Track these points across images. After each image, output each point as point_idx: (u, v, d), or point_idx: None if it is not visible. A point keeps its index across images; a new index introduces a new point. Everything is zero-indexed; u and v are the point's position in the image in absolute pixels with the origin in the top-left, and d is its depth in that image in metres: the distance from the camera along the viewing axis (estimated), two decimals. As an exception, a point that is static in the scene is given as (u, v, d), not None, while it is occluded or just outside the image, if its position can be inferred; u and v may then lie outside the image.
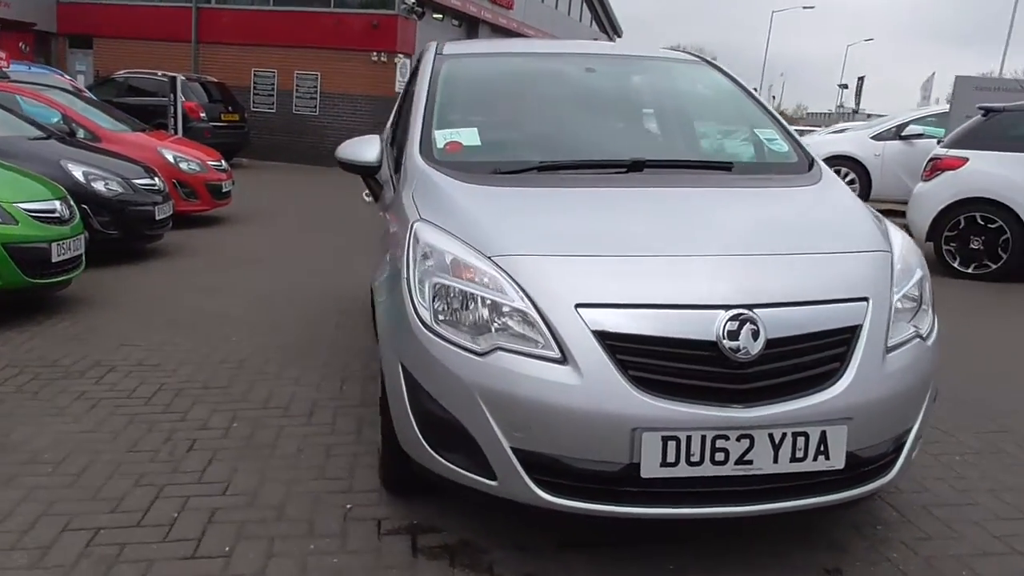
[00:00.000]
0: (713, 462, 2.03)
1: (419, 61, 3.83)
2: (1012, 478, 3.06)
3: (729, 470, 2.04)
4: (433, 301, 2.25)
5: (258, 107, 19.56)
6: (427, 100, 3.12)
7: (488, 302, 2.17)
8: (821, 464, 2.08)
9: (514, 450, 2.09)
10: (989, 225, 7.08)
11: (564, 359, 2.06)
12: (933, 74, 21.47)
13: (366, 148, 3.21)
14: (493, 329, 2.15)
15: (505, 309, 2.15)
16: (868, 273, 2.31)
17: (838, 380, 2.11)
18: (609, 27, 36.78)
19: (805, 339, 2.11)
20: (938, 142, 8.42)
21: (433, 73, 3.29)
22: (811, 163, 3.01)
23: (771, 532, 2.49)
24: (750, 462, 2.04)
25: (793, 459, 2.06)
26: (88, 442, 3.11)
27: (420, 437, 2.29)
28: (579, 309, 2.09)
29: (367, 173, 3.29)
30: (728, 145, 3.31)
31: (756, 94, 3.46)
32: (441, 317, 2.23)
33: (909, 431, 2.31)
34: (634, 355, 2.04)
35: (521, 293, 2.15)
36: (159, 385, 3.79)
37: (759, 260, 2.25)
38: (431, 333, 2.22)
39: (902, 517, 2.70)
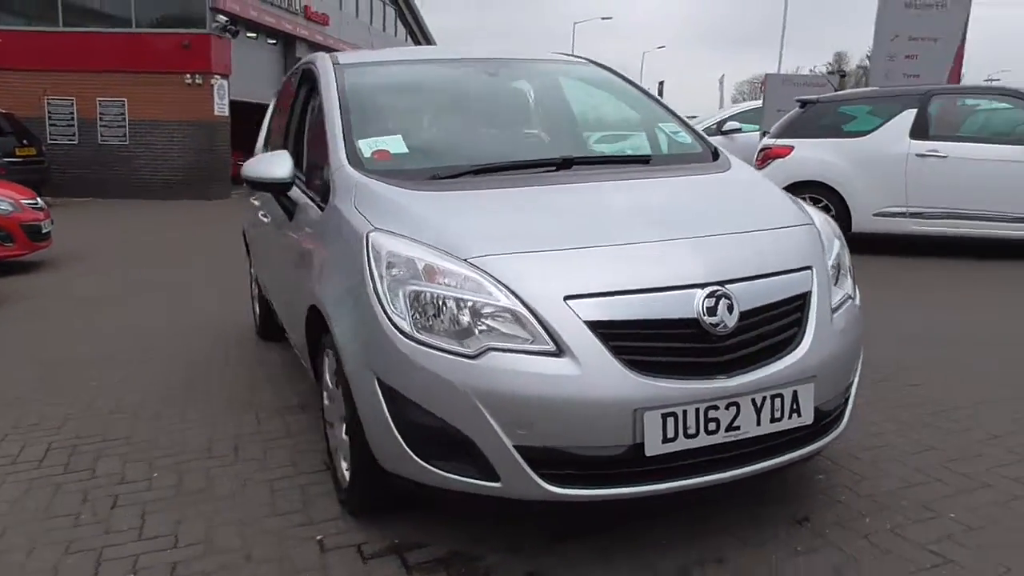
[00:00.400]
0: (707, 432, 2.12)
1: (306, 74, 3.73)
2: (909, 414, 3.42)
3: (721, 438, 2.14)
4: (410, 310, 2.20)
5: (56, 139, 17.94)
6: (340, 110, 3.03)
7: (471, 304, 2.15)
8: (795, 421, 2.23)
9: (517, 448, 2.09)
10: (817, 204, 7.82)
11: (560, 352, 2.08)
12: (723, 75, 23.45)
13: (275, 164, 3.06)
14: (479, 331, 2.14)
15: (490, 309, 2.14)
16: (807, 244, 2.50)
17: (800, 343, 2.28)
18: (424, 41, 37.02)
19: (770, 308, 2.26)
20: (763, 134, 9.20)
21: (339, 83, 3.20)
22: (715, 151, 3.21)
23: (739, 496, 2.63)
24: (738, 428, 2.16)
25: (772, 420, 2.20)
26: (-8, 516, 2.75)
27: (408, 450, 2.22)
28: (568, 301, 2.12)
29: (279, 191, 3.14)
30: (638, 140, 3.45)
31: (649, 92, 3.65)
32: (421, 325, 2.18)
33: (852, 383, 2.53)
34: (625, 340, 2.10)
35: (506, 292, 2.14)
36: (47, 445, 3.40)
37: (719, 240, 2.38)
38: (414, 342, 2.17)
39: (835, 464, 2.94)
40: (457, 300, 2.17)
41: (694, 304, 2.15)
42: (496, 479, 2.13)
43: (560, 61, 3.89)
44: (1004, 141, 7.46)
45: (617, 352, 2.08)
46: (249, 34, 21.13)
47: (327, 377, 2.74)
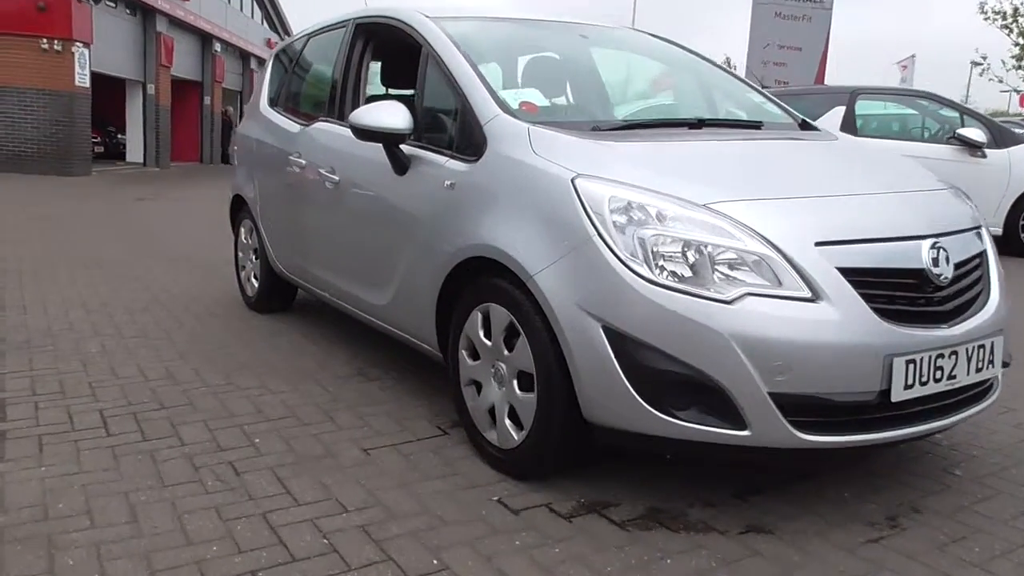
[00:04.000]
0: (935, 380, 2.21)
1: (373, 28, 3.57)
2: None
3: (944, 385, 2.24)
4: (651, 256, 2.14)
5: None
6: (467, 60, 2.89)
7: (721, 249, 2.12)
8: (991, 372, 2.37)
9: (771, 395, 2.08)
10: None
11: (815, 297, 2.09)
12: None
13: (393, 114, 2.86)
14: (731, 276, 2.11)
15: (740, 255, 2.12)
16: (966, 206, 2.67)
17: (989, 297, 2.42)
18: (280, 28, 35.63)
19: (970, 262, 2.40)
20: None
21: (450, 36, 3.04)
22: (803, 121, 3.33)
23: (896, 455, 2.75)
24: (955, 376, 2.26)
25: (977, 370, 2.32)
26: (103, 489, 2.39)
27: (640, 400, 2.15)
28: (819, 247, 2.14)
29: (394, 141, 2.93)
30: (733, 106, 3.51)
31: (726, 67, 3.74)
32: (664, 270, 2.13)
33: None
34: (873, 288, 2.15)
35: (757, 236, 2.13)
36: (97, 412, 3.00)
37: (919, 196, 2.49)
38: (659, 287, 2.11)
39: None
40: (704, 244, 2.13)
41: (922, 255, 2.23)
42: (744, 427, 2.10)
43: (632, 30, 3.89)
44: (923, 139, 8.30)
45: (868, 300, 2.12)
46: (108, 2, 19.48)
47: (478, 334, 2.60)
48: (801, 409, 2.11)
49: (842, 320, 2.08)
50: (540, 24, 3.64)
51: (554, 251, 2.30)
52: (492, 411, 2.61)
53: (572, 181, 2.31)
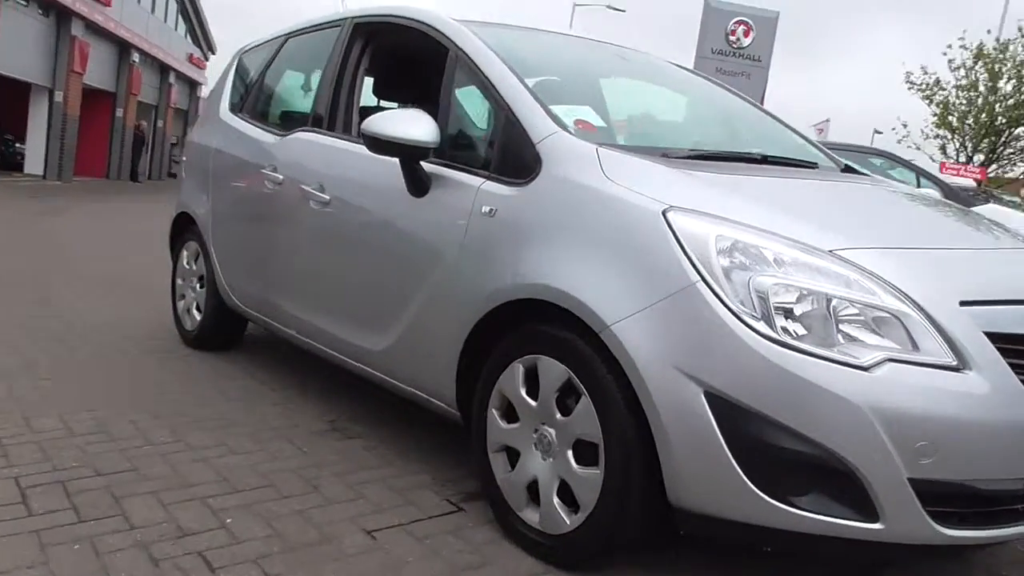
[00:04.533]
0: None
1: (376, 29, 3.11)
2: None
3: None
4: (772, 309, 1.74)
5: None
6: (511, 70, 2.46)
7: (851, 304, 1.74)
8: None
9: (911, 481, 1.69)
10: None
11: (961, 366, 1.73)
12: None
13: (417, 124, 2.40)
14: (862, 337, 1.73)
15: (876, 312, 1.74)
16: None
17: None
18: (204, 43, 34.38)
19: None
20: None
21: (486, 43, 2.60)
22: (846, 165, 3.05)
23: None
24: None
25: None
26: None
27: (748, 483, 1.73)
28: (964, 307, 1.79)
29: (416, 156, 2.46)
30: (777, 144, 3.19)
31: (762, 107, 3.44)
32: (783, 327, 1.73)
33: None
34: (1019, 356, 1.80)
35: (893, 291, 1.76)
36: (13, 479, 2.36)
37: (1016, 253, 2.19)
38: (782, 347, 1.71)
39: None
40: (830, 298, 1.74)
41: None
42: (876, 519, 1.70)
43: (663, 59, 3.55)
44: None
45: (1017, 370, 1.78)
46: (20, 1, 18.21)
47: (519, 392, 2.14)
48: (941, 499, 1.73)
49: (991, 393, 1.73)
50: (578, 40, 3.25)
51: (640, 297, 1.87)
52: (532, 486, 2.14)
53: (664, 215, 1.90)
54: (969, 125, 19.88)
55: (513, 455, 2.21)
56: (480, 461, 2.31)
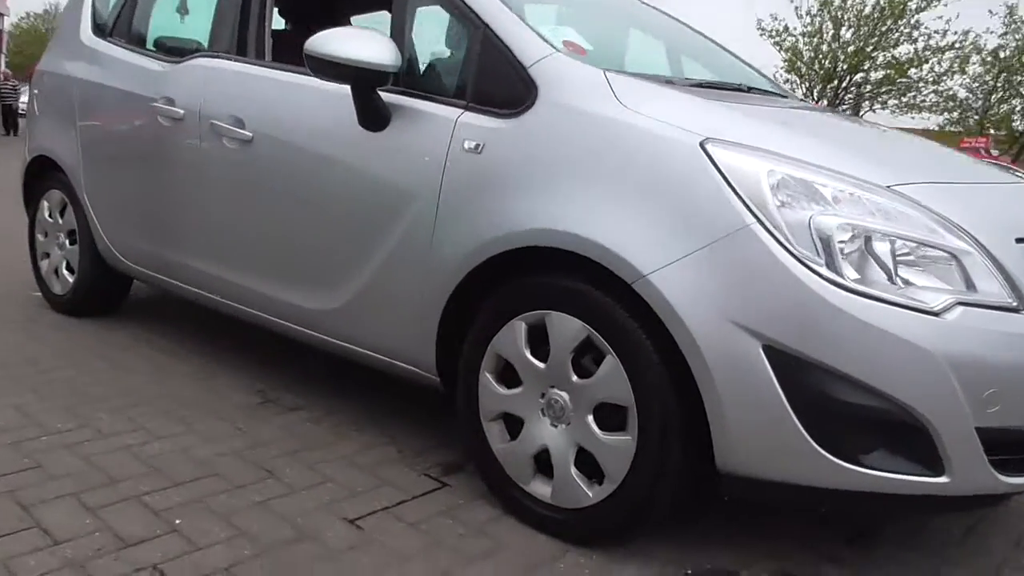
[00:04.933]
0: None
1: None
2: None
3: None
4: (836, 250, 1.58)
5: None
6: None
7: (913, 244, 1.61)
8: None
9: (978, 430, 1.61)
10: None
11: (1020, 307, 1.65)
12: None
13: (372, 44, 2.04)
14: (921, 280, 1.60)
15: (937, 252, 1.62)
16: None
17: None
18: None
19: None
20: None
21: None
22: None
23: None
24: None
25: None
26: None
27: (812, 442, 1.58)
28: (1020, 244, 1.70)
29: (373, 83, 2.09)
30: (744, 76, 3.00)
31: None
32: (856, 272, 1.58)
33: None
34: None
35: (957, 230, 1.64)
36: None
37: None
38: (853, 294, 1.55)
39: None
40: (893, 238, 1.60)
41: None
42: (941, 472, 1.61)
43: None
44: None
45: None
46: None
47: (521, 352, 1.90)
48: (1003, 447, 1.66)
49: None
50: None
51: (681, 242, 1.65)
52: (539, 456, 1.92)
53: (703, 147, 1.68)
54: (815, 71, 21.03)
55: (513, 423, 1.97)
56: (470, 431, 2.05)
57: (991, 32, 25.14)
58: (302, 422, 2.50)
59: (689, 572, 1.79)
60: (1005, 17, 21.28)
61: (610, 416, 1.79)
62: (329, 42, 2.05)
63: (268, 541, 1.80)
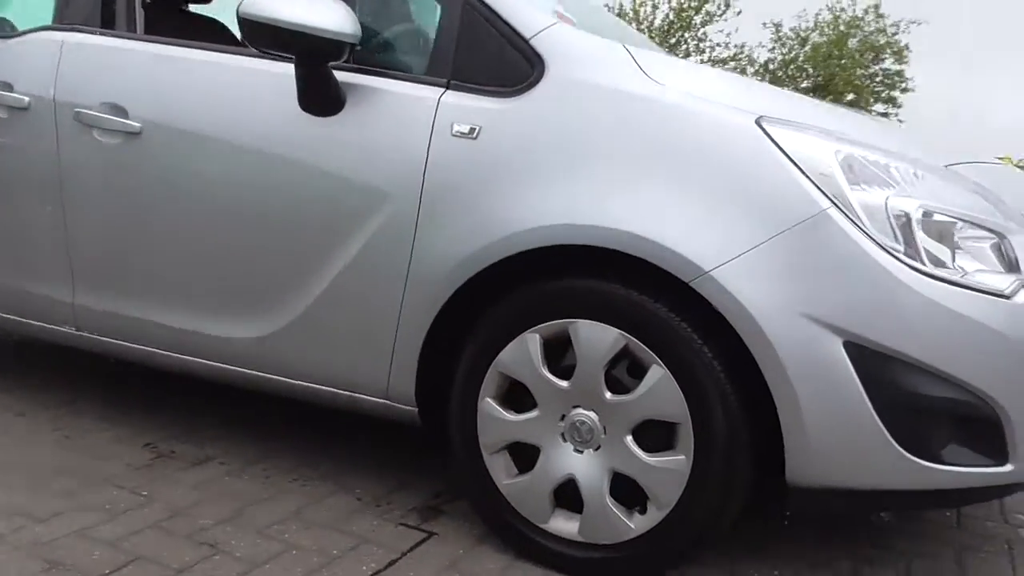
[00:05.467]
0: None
1: None
2: None
3: None
4: (916, 235, 1.47)
5: None
6: None
7: (979, 226, 1.55)
8: None
9: None
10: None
11: None
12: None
13: (325, 7, 1.68)
14: (987, 263, 1.54)
15: (993, 233, 1.56)
16: None
17: None
18: None
19: None
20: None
21: None
22: None
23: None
24: None
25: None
26: None
27: (895, 443, 1.46)
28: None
29: (327, 56, 1.72)
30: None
31: None
32: (936, 256, 1.48)
33: None
34: None
35: (1000, 209, 1.60)
36: None
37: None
38: (935, 280, 1.45)
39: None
40: (957, 220, 1.53)
41: None
42: (1005, 461, 1.54)
43: None
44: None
45: None
46: None
47: (537, 370, 1.63)
48: None
49: None
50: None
51: (746, 233, 1.47)
52: (558, 490, 1.66)
53: (759, 125, 1.51)
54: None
55: (520, 454, 1.70)
56: (468, 467, 1.75)
57: (763, 46, 27.77)
58: (220, 477, 2.04)
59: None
60: (773, 33, 23.75)
61: (651, 435, 1.57)
62: (272, 2, 1.66)
63: (253, 640, 1.39)
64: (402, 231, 1.72)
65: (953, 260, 1.50)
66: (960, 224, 1.52)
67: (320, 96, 1.77)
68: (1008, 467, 1.54)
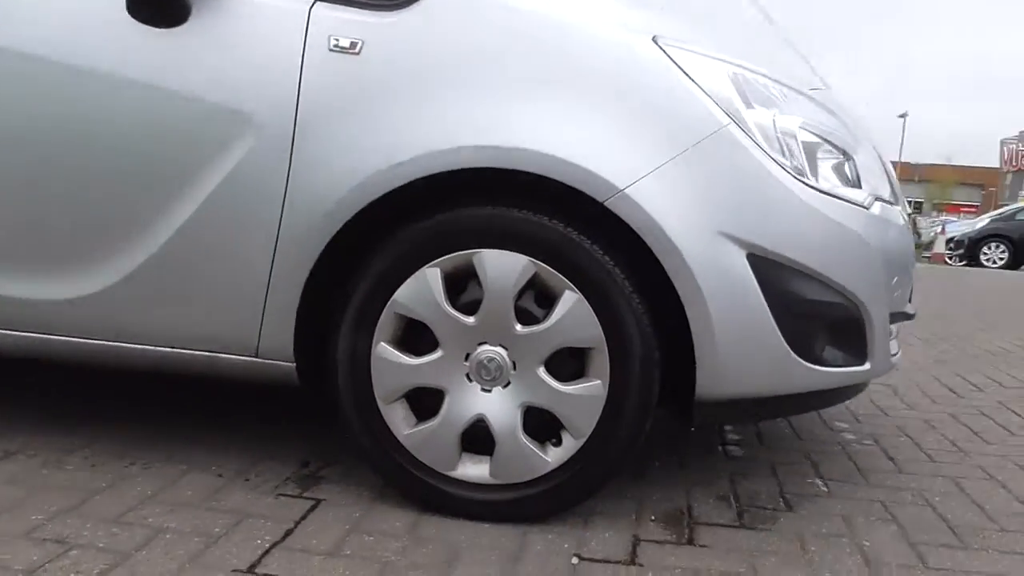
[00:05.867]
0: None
1: None
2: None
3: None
4: (801, 151, 1.57)
5: None
6: None
7: (836, 145, 1.68)
8: None
9: (890, 316, 1.75)
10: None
11: (895, 201, 1.85)
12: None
13: None
14: (834, 176, 1.68)
15: (844, 151, 1.71)
16: None
17: None
18: None
19: None
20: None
21: None
22: None
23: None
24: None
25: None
26: None
27: (789, 349, 1.55)
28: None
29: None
30: None
31: None
32: (815, 170, 1.59)
33: None
34: None
35: (853, 130, 1.75)
36: None
37: None
38: (819, 192, 1.56)
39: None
40: (822, 138, 1.65)
41: None
42: (865, 360, 1.71)
43: None
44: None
45: None
46: None
47: (439, 306, 1.53)
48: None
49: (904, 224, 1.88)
50: None
51: (653, 149, 1.48)
52: (466, 433, 1.58)
53: (657, 44, 1.51)
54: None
55: (426, 401, 1.59)
56: (357, 424, 1.60)
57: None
58: (35, 471, 1.70)
59: (653, 518, 1.64)
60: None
61: (559, 366, 1.54)
62: None
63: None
64: (274, 161, 1.53)
65: (818, 175, 1.62)
66: (823, 144, 1.64)
67: (163, 2, 1.51)
68: (867, 366, 1.70)
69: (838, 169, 1.66)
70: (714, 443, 2.12)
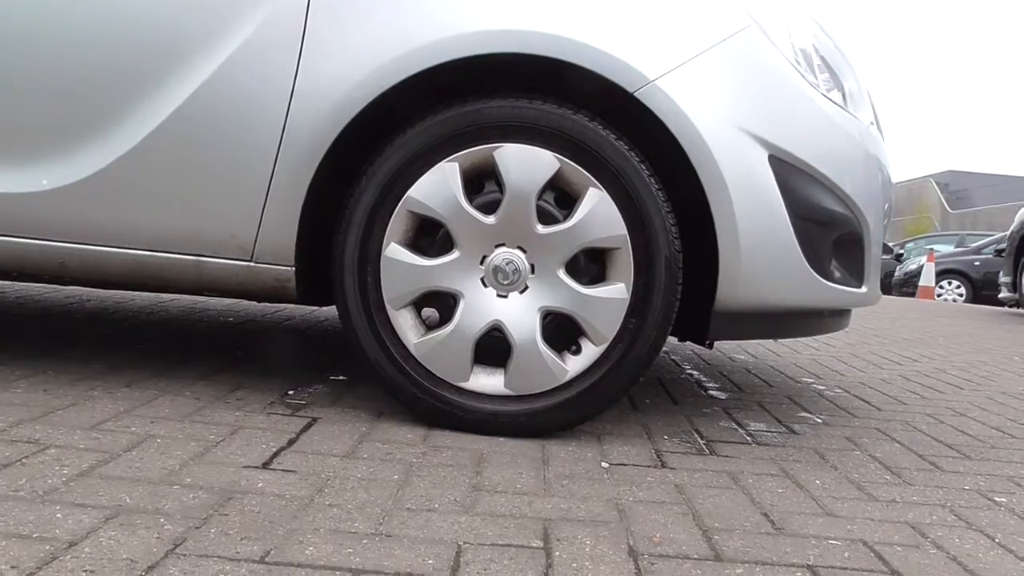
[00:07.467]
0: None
1: None
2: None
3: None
4: (812, 60, 1.60)
5: None
6: None
7: (838, 56, 1.72)
8: None
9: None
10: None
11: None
12: None
13: None
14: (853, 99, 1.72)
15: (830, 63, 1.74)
16: None
17: None
18: None
19: None
20: None
21: None
22: None
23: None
24: None
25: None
26: None
27: (805, 261, 1.55)
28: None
29: None
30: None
31: None
32: (823, 82, 1.61)
33: None
34: None
35: (834, 47, 1.79)
36: None
37: None
38: (830, 101, 1.59)
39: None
40: (828, 60, 1.68)
41: None
42: (862, 282, 1.73)
43: None
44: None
45: None
46: None
47: (459, 203, 1.46)
48: None
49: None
50: None
51: (685, 42, 1.46)
52: (479, 341, 1.49)
53: None
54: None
55: (438, 307, 1.50)
56: (362, 332, 1.48)
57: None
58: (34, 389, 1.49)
59: (666, 437, 1.59)
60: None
61: (577, 272, 1.49)
62: None
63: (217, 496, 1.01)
64: (284, 37, 1.42)
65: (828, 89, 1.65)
66: (824, 62, 1.67)
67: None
68: (864, 289, 1.72)
69: (840, 88, 1.69)
70: (697, 391, 2.10)
